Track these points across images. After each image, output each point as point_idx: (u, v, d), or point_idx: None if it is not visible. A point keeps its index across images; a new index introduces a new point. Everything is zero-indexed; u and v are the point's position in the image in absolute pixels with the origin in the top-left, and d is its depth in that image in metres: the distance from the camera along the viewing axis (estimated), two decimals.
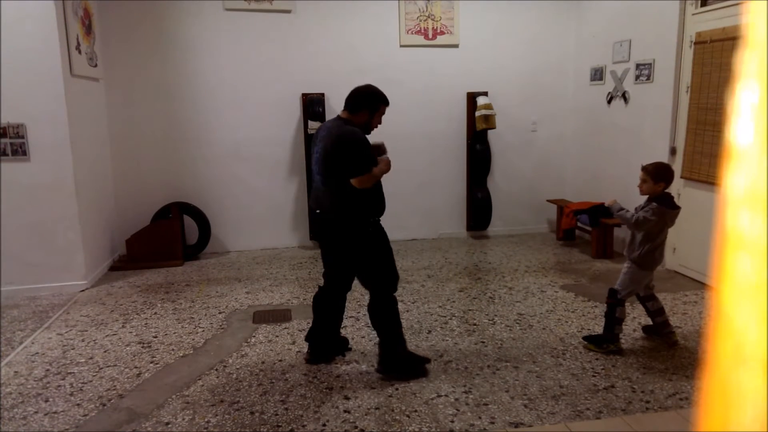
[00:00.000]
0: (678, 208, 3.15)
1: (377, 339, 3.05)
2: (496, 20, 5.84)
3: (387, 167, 2.95)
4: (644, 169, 3.15)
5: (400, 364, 2.99)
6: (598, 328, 3.59)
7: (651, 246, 3.12)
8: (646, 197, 3.20)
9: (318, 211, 2.99)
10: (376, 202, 2.95)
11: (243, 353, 3.31)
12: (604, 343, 3.25)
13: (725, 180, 0.36)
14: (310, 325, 3.73)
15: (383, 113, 2.97)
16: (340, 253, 2.99)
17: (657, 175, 3.10)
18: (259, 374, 3.05)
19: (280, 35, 5.44)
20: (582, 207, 5.52)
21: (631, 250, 3.20)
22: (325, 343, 3.22)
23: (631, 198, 4.75)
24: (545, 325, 3.67)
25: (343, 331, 3.60)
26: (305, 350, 3.31)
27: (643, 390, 2.84)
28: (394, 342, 2.99)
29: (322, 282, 3.18)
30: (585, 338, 3.38)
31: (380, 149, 3.01)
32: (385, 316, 2.98)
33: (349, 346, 3.36)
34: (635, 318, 3.72)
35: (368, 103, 2.90)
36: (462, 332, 3.57)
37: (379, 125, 2.99)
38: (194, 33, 5.29)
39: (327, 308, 3.15)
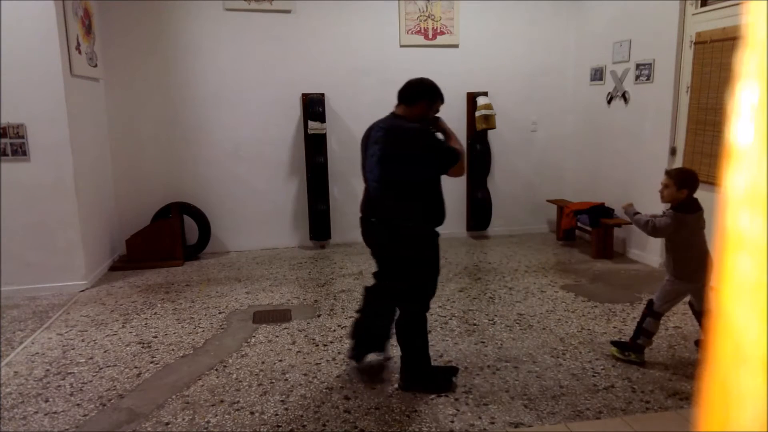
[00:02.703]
0: (699, 210, 2.95)
1: (400, 355, 2.92)
2: (496, 20, 5.84)
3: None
4: (668, 173, 2.98)
5: (424, 380, 2.87)
6: (599, 328, 3.60)
7: (683, 255, 2.96)
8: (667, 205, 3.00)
9: (373, 219, 2.84)
10: (437, 208, 2.92)
11: (243, 353, 3.31)
12: (626, 350, 3.15)
13: (725, 180, 0.36)
14: (312, 324, 3.74)
15: (437, 111, 2.91)
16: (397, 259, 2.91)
17: (681, 180, 2.91)
18: (259, 374, 3.05)
19: (280, 35, 5.44)
20: (582, 207, 5.52)
21: (666, 261, 3.07)
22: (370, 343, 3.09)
23: (631, 197, 4.75)
24: (545, 325, 3.67)
25: (342, 331, 3.60)
26: (305, 350, 3.32)
27: (643, 390, 2.84)
28: (419, 360, 2.86)
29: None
30: (612, 342, 3.28)
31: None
32: (414, 334, 2.85)
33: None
34: (635, 318, 3.72)
35: (427, 95, 2.81)
36: (462, 332, 3.57)
37: None
38: (194, 33, 5.29)
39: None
